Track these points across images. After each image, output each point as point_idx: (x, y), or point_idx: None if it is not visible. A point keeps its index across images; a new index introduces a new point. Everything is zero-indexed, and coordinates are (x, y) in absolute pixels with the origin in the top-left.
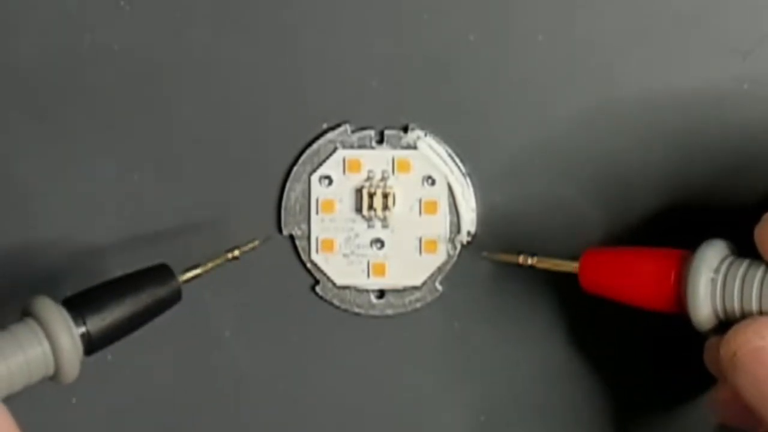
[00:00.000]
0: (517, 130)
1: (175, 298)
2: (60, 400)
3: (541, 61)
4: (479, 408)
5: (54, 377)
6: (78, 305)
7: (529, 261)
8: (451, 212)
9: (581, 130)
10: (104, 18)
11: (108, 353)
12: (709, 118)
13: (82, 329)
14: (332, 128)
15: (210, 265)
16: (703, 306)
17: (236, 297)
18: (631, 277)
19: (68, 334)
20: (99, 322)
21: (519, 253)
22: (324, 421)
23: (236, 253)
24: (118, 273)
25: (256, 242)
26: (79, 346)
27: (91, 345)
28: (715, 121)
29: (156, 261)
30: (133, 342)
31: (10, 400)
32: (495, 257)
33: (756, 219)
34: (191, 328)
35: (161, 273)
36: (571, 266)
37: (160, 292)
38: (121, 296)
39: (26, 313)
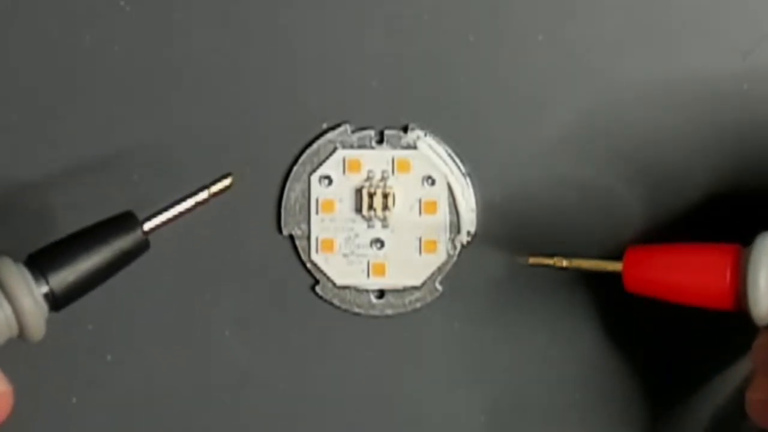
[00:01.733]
0: (517, 130)
1: (141, 248)
2: (60, 400)
3: (541, 61)
4: (479, 408)
5: (21, 337)
6: (40, 263)
7: (565, 263)
8: (451, 212)
9: (581, 130)
10: (104, 18)
11: (108, 353)
12: (708, 118)
13: (45, 288)
14: (332, 128)
15: (177, 209)
16: (765, 298)
17: (236, 297)
18: (683, 274)
19: (29, 295)
20: (62, 279)
21: (553, 255)
22: (324, 421)
23: (205, 195)
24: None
25: (228, 181)
26: (43, 306)
27: (56, 302)
28: (715, 121)
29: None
30: (133, 342)
31: None
32: (529, 261)
33: (756, 219)
34: (191, 328)
35: (126, 223)
36: (613, 266)
37: (126, 242)
38: (85, 250)
39: None
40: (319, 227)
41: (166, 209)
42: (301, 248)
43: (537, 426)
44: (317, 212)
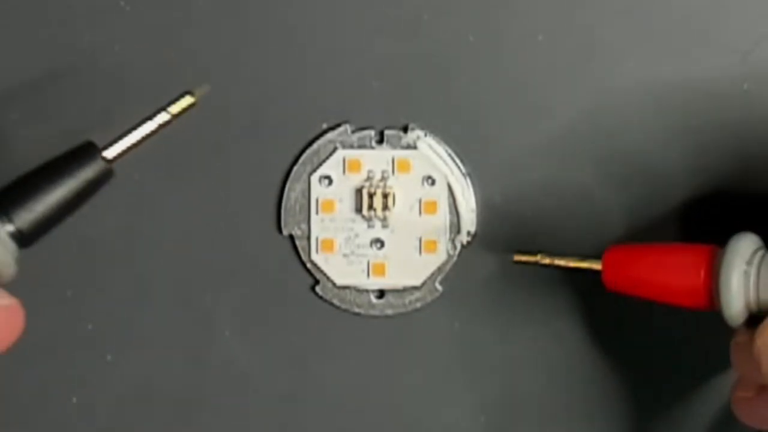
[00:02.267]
0: (517, 130)
1: (105, 176)
2: (60, 400)
3: (541, 61)
4: (479, 408)
5: None
6: (3, 203)
7: (548, 260)
8: (451, 212)
9: (581, 129)
10: (104, 18)
11: (108, 353)
12: (708, 118)
13: (10, 227)
14: (332, 128)
15: (139, 133)
16: (736, 298)
17: (236, 297)
18: (659, 274)
19: None
20: (27, 216)
21: (538, 252)
22: (324, 420)
23: (166, 117)
24: None
25: (190, 99)
26: (10, 245)
27: (25, 239)
28: (715, 121)
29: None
30: (133, 342)
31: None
32: (514, 258)
33: (754, 219)
34: (191, 328)
35: (87, 153)
36: (594, 264)
37: (88, 173)
38: (47, 184)
39: None
40: (319, 227)
41: (126, 134)
42: (301, 248)
43: (537, 426)
44: (317, 212)
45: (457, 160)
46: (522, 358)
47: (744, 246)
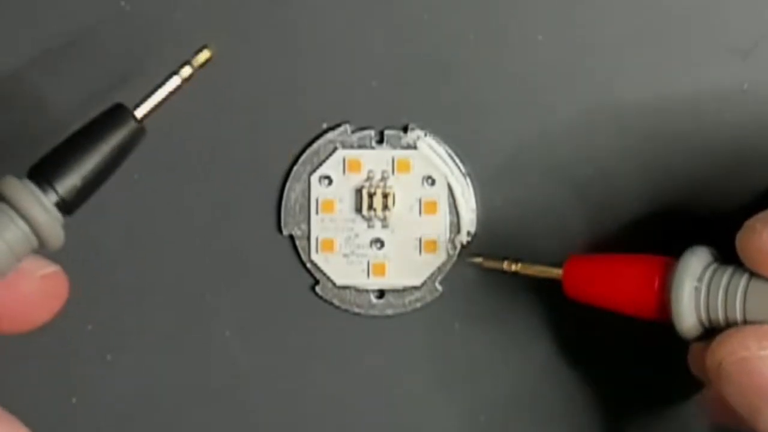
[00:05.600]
0: (517, 130)
1: (138, 136)
2: (60, 400)
3: (541, 61)
4: (479, 408)
5: (41, 248)
6: (44, 174)
7: (513, 267)
8: (451, 212)
9: (581, 129)
10: (104, 18)
11: (108, 353)
12: (708, 118)
13: (54, 197)
14: (332, 128)
15: (166, 90)
16: (687, 315)
17: (236, 297)
18: (614, 285)
19: (41, 207)
20: (68, 184)
21: (504, 258)
22: (324, 421)
23: (189, 71)
24: None
25: (207, 53)
26: (56, 214)
27: (68, 207)
28: (714, 121)
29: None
30: (133, 342)
31: (6, 397)
32: (479, 263)
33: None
34: (191, 328)
35: (118, 115)
36: (555, 273)
37: (122, 134)
38: (84, 151)
39: None
40: (319, 227)
41: (153, 92)
42: (301, 248)
43: (537, 426)
44: (317, 212)
45: (457, 160)
46: (522, 358)
47: (695, 261)
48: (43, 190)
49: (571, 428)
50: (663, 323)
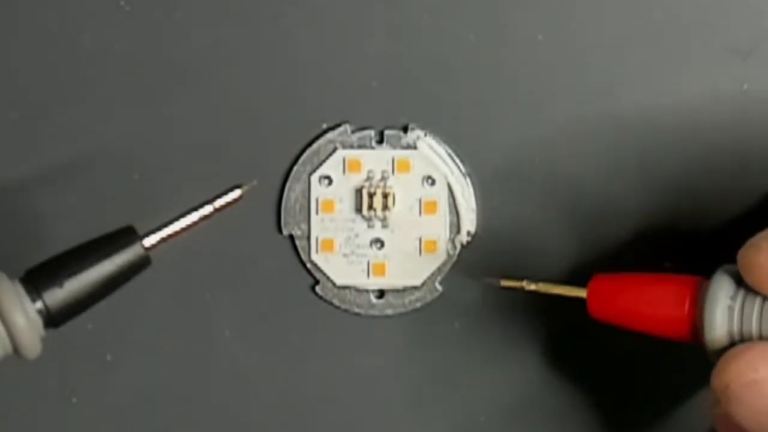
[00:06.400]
0: (517, 131)
1: (142, 264)
2: (60, 400)
3: (541, 61)
4: (479, 408)
5: (16, 354)
6: (36, 279)
7: (534, 287)
8: (451, 212)
9: (581, 129)
10: (104, 18)
11: (108, 353)
12: (708, 119)
13: (39, 305)
14: (332, 128)
15: (180, 224)
16: (719, 333)
17: (236, 297)
18: (642, 305)
19: (21, 311)
20: (57, 295)
21: (523, 278)
22: (324, 420)
23: (209, 209)
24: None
25: (237, 193)
26: (37, 323)
27: (52, 319)
28: (714, 121)
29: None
30: (133, 342)
31: (6, 397)
32: (497, 283)
33: (753, 227)
34: (191, 328)
35: (126, 238)
36: (579, 293)
37: (126, 259)
38: (82, 267)
39: None
40: (319, 227)
41: (168, 224)
42: (301, 248)
43: (537, 426)
44: (317, 212)
45: (457, 160)
46: (522, 358)
47: (728, 280)
48: (30, 296)
49: (571, 428)
50: (688, 343)
